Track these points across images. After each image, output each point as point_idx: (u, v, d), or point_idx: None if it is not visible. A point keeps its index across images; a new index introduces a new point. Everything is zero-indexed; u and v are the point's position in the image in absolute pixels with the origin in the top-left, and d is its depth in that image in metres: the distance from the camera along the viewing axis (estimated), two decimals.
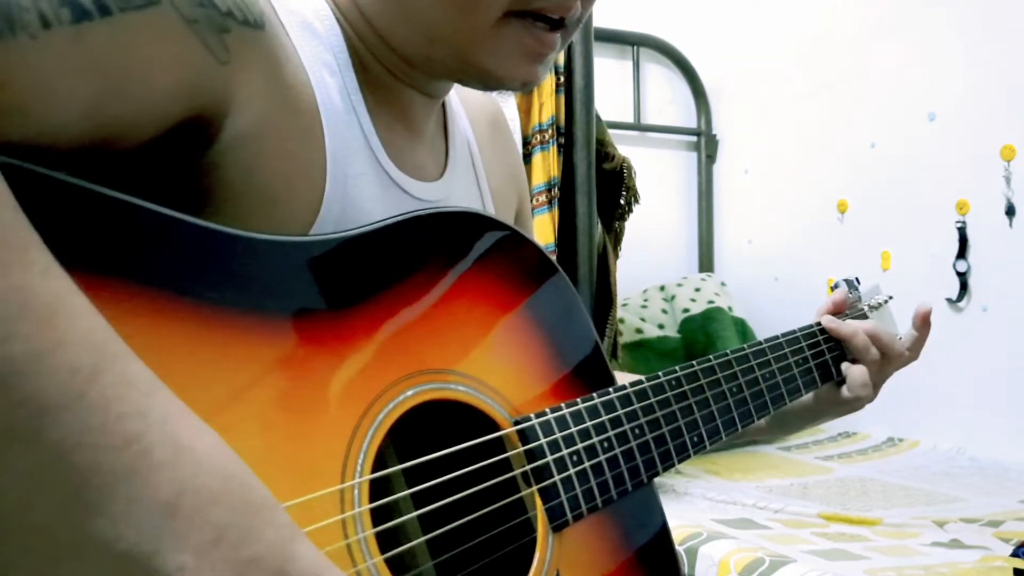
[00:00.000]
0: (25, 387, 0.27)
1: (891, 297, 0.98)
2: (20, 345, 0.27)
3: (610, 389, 0.63)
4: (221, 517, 0.30)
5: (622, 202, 2.04)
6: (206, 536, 0.29)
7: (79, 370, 0.29)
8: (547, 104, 1.94)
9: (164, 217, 0.42)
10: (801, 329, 0.84)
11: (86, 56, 0.40)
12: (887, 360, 0.85)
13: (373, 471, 0.48)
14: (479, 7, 0.55)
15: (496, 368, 0.58)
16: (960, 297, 2.04)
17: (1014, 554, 1.17)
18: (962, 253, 2.03)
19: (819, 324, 0.87)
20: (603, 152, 1.98)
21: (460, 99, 0.75)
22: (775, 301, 2.51)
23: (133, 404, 0.30)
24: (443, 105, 0.71)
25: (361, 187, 0.58)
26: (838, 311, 0.91)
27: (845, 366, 0.85)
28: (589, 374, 0.65)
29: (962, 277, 2.03)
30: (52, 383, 0.28)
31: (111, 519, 0.28)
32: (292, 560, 0.32)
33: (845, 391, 0.84)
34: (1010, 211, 1.94)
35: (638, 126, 2.65)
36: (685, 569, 1.28)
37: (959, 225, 2.03)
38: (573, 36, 0.61)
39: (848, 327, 0.85)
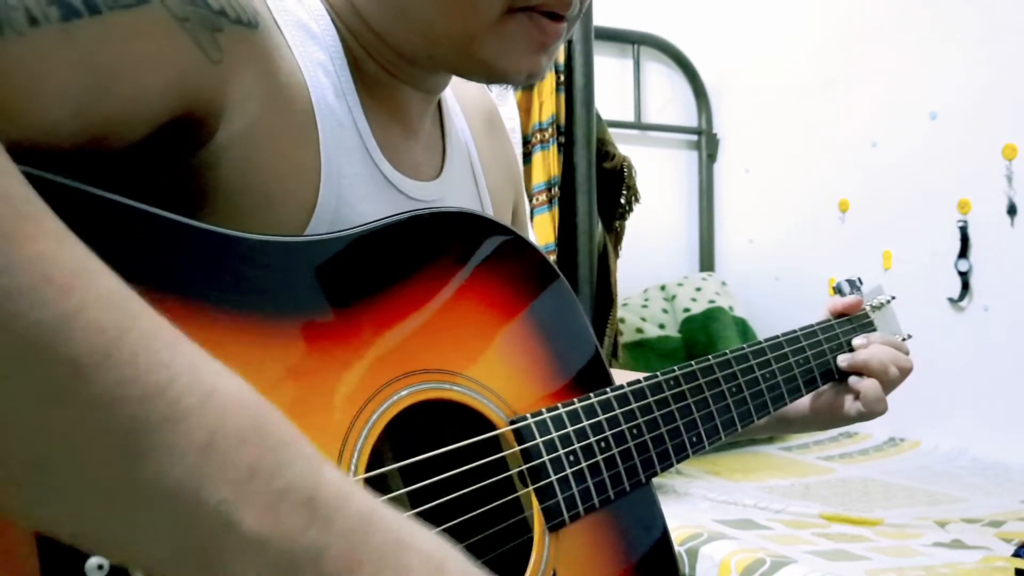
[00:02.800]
0: (57, 349, 0.29)
1: (894, 297, 0.97)
2: (47, 310, 0.29)
3: (607, 389, 0.63)
4: (252, 453, 0.32)
5: (622, 201, 2.04)
6: (241, 471, 0.31)
7: (105, 329, 0.30)
8: (547, 103, 1.94)
9: (160, 218, 0.42)
10: (802, 328, 0.84)
11: (75, 55, 0.40)
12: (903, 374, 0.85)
13: (368, 471, 0.48)
14: (479, 7, 0.54)
15: (494, 370, 0.58)
16: (962, 297, 2.04)
17: (1015, 554, 1.17)
18: (964, 252, 2.03)
19: (820, 323, 0.86)
20: (603, 151, 1.98)
21: (456, 96, 0.74)
22: (776, 301, 2.51)
23: (160, 356, 0.31)
24: (439, 103, 0.70)
25: (356, 187, 0.57)
26: (847, 314, 0.90)
27: (854, 380, 0.84)
28: (589, 378, 0.64)
29: (963, 277, 2.03)
30: (82, 343, 0.29)
31: (156, 463, 0.30)
32: (319, 486, 0.33)
33: (860, 407, 0.83)
34: (1012, 210, 1.94)
35: (638, 125, 2.65)
36: (687, 570, 1.28)
37: (960, 224, 2.03)
38: (574, 30, 0.60)
39: (860, 357, 0.84)
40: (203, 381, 0.32)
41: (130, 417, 0.30)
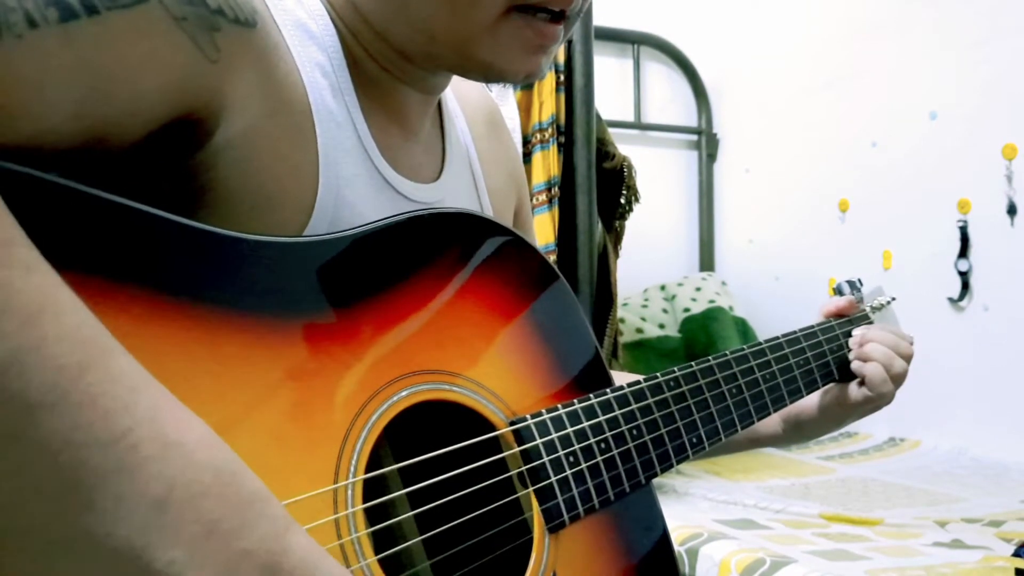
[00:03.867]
0: (10, 386, 0.27)
1: (894, 298, 0.97)
2: (3, 343, 0.27)
3: (607, 390, 0.63)
4: (212, 511, 0.30)
5: (622, 201, 2.04)
6: (197, 530, 0.30)
7: (64, 367, 0.28)
8: (547, 103, 1.94)
9: (158, 219, 0.42)
10: (802, 329, 0.83)
11: (74, 56, 0.39)
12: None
13: (367, 471, 0.48)
14: (480, 5, 0.54)
15: (494, 371, 0.58)
16: (961, 296, 2.03)
17: (1015, 554, 1.17)
18: (963, 252, 2.03)
19: (820, 324, 0.86)
20: (603, 151, 1.98)
21: (457, 98, 0.74)
22: (776, 301, 2.51)
23: (120, 400, 0.30)
24: (439, 106, 0.70)
25: (355, 188, 0.57)
26: (843, 315, 0.90)
27: (857, 365, 0.84)
28: (589, 379, 0.64)
29: (963, 276, 2.03)
30: (37, 381, 0.28)
31: (101, 516, 0.28)
32: (285, 552, 0.32)
33: (866, 391, 0.83)
34: (1011, 210, 1.94)
35: (638, 125, 2.65)
36: (687, 570, 1.27)
37: (960, 224, 2.03)
38: (573, 30, 0.60)
39: (865, 349, 0.84)
40: (165, 430, 0.30)
41: (80, 464, 0.28)
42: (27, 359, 0.28)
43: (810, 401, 0.85)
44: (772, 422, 0.87)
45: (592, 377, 0.64)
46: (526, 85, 1.91)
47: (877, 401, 0.83)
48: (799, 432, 0.88)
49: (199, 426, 0.32)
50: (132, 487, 0.29)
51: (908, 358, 0.85)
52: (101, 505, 0.28)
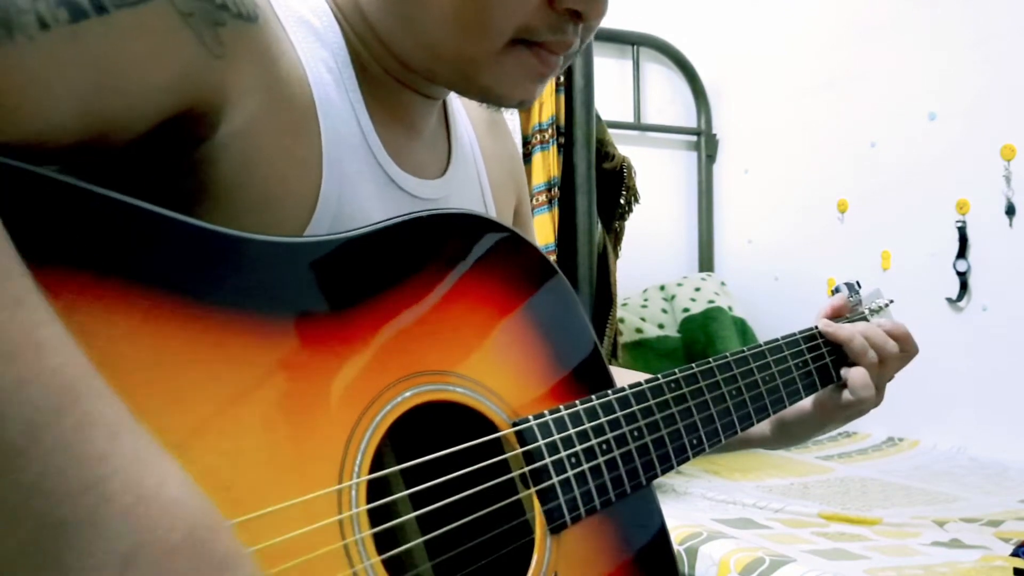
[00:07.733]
0: None
1: (892, 301, 0.97)
2: None
3: (608, 392, 0.63)
4: (180, 572, 0.29)
5: (622, 202, 2.05)
6: None
7: (40, 410, 0.28)
8: (547, 104, 1.94)
9: (160, 217, 0.42)
10: (800, 332, 0.84)
11: (82, 54, 0.40)
12: (884, 362, 0.85)
13: (371, 472, 0.48)
14: (487, 35, 0.55)
15: (495, 370, 0.58)
16: (960, 297, 2.04)
17: (1014, 554, 1.18)
18: (962, 253, 2.03)
19: (819, 327, 0.87)
20: (603, 152, 1.99)
21: (459, 97, 0.75)
22: (775, 301, 2.51)
23: (97, 447, 0.29)
24: (444, 103, 0.71)
25: (358, 185, 0.57)
26: (838, 315, 0.90)
27: (844, 370, 0.84)
28: (588, 377, 0.64)
29: (962, 277, 2.03)
30: (11, 424, 0.27)
31: (65, 569, 0.27)
32: None
33: (847, 394, 0.82)
34: (1010, 210, 1.94)
35: (638, 126, 2.65)
36: (686, 569, 1.28)
37: (959, 225, 2.03)
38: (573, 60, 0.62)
39: (845, 330, 0.83)
40: (142, 482, 0.29)
41: (46, 514, 0.27)
42: (3, 401, 0.27)
43: (798, 404, 0.85)
44: (761, 424, 0.87)
45: (592, 373, 0.65)
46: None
47: (859, 405, 0.82)
48: (786, 435, 0.87)
49: (178, 478, 0.31)
50: (99, 542, 0.28)
51: (889, 355, 0.84)
52: (66, 558, 0.27)
